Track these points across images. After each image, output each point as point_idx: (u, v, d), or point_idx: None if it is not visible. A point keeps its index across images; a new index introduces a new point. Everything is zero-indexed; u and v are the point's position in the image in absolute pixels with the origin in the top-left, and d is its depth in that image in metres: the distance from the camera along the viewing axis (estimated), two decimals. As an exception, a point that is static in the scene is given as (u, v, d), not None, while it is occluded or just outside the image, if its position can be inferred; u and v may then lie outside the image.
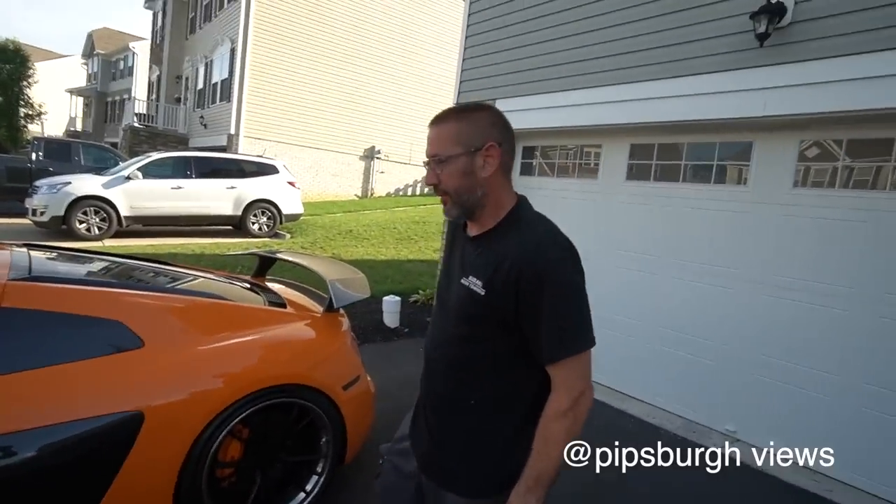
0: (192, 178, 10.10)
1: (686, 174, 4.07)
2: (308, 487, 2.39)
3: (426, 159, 1.29)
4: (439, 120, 1.27)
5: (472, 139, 1.23)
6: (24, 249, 2.42)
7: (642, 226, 4.28)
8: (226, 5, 16.49)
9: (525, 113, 5.02)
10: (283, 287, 3.28)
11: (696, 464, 3.33)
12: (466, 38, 5.74)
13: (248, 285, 3.01)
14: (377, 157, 18.09)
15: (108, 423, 1.82)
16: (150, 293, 2.27)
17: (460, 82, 5.79)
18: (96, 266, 2.67)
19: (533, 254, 1.16)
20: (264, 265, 3.53)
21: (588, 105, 4.48)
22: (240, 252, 4.93)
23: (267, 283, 3.32)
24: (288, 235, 11.07)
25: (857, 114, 3.06)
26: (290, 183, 11.29)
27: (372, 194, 18.17)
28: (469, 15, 5.71)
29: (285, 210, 11.09)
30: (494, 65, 5.37)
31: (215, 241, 9.87)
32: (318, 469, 2.41)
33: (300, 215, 11.62)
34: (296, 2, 15.86)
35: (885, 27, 2.93)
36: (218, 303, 2.39)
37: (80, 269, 2.53)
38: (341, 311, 2.84)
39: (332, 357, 2.55)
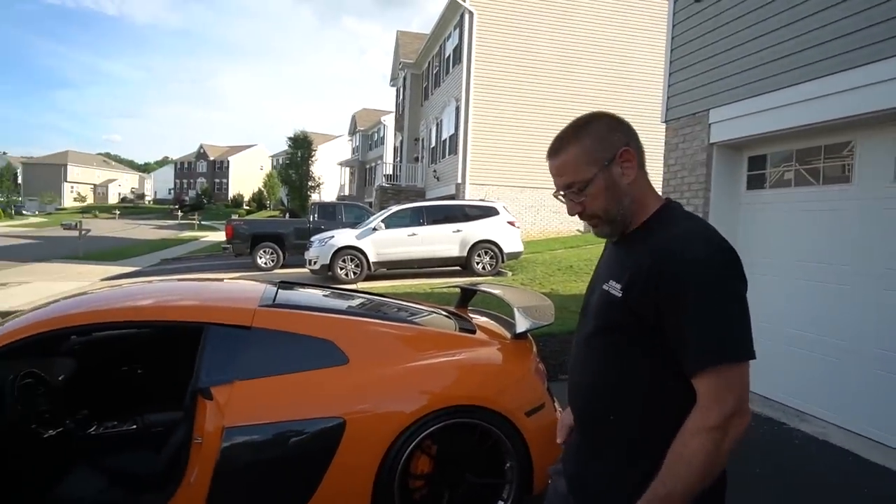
0: (424, 225, 11.36)
1: None
2: (494, 511, 2.41)
3: (560, 192, 1.22)
4: (557, 149, 1.20)
5: (600, 153, 1.15)
6: (275, 286, 3.04)
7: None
8: (451, 70, 18.49)
9: (747, 119, 4.40)
10: (481, 317, 3.43)
11: None
12: (672, 49, 5.36)
13: (446, 314, 3.24)
14: (597, 191, 17.70)
15: (318, 426, 2.14)
16: (356, 318, 2.63)
17: (668, 98, 5.39)
18: (326, 297, 3.20)
19: (678, 251, 1.06)
20: (466, 297, 3.76)
21: (827, 96, 3.71)
22: (446, 286, 5.33)
23: (468, 313, 3.52)
24: (509, 273, 11.51)
25: None
26: (510, 223, 11.81)
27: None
28: (674, 22, 5.33)
29: (506, 249, 11.60)
30: (705, 72, 4.87)
31: (446, 281, 10.82)
32: (504, 494, 2.41)
33: (521, 253, 12.01)
34: (508, 55, 16.92)
35: None
36: (411, 327, 2.63)
37: (312, 300, 3.07)
38: (529, 338, 2.85)
39: (516, 382, 2.56)
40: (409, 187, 21.89)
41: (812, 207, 4.08)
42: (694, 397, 1.03)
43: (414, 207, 12.06)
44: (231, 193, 67.14)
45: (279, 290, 2.84)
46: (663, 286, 1.04)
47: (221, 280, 4.39)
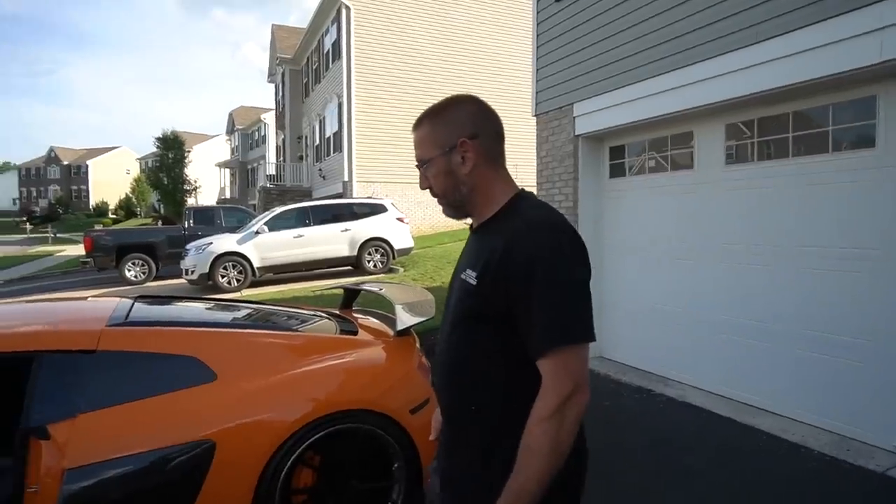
0: (310, 225, 10.97)
1: (799, 148, 3.53)
2: (385, 515, 2.37)
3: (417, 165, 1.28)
4: (417, 124, 1.25)
5: (445, 138, 1.20)
6: (130, 301, 2.74)
7: (751, 214, 3.77)
8: (331, 66, 18.02)
9: (607, 111, 4.74)
10: (367, 317, 3.36)
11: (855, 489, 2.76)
12: (538, 46, 5.62)
13: (328, 316, 3.13)
14: (483, 184, 18.26)
15: (183, 452, 1.95)
16: (224, 330, 2.44)
17: (536, 92, 5.66)
18: (193, 310, 2.95)
19: (524, 237, 1.08)
20: (350, 297, 3.66)
21: (673, 90, 4.10)
22: (329, 287, 5.19)
23: (353, 314, 3.43)
24: (401, 269, 11.50)
25: None
26: (399, 219, 11.78)
27: (482, 220, 18.29)
28: (538, 20, 5.59)
29: (397, 245, 11.56)
30: (569, 68, 5.17)
31: (334, 282, 10.54)
32: (394, 496, 2.37)
33: (412, 249, 12.04)
34: (388, 51, 16.84)
35: None
36: (288, 334, 2.50)
37: (174, 313, 2.82)
38: (412, 333, 2.83)
39: (399, 381, 2.54)
40: (295, 187, 21.05)
41: (665, 192, 4.50)
42: None
43: (299, 208, 11.59)
44: (93, 201, 60.26)
45: (134, 306, 2.56)
46: (511, 272, 1.06)
47: (84, 298, 3.89)
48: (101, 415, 1.95)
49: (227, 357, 2.24)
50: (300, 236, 10.76)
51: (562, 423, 1.00)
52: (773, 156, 3.69)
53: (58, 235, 35.28)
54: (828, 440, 3.22)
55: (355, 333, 2.77)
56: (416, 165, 1.26)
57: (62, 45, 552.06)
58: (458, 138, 1.18)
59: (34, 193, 67.29)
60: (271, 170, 22.85)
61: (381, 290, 3.30)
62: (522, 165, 18.36)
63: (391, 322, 3.15)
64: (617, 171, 5.05)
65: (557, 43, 5.33)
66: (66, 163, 66.14)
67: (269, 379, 2.23)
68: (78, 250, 21.71)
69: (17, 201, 67.77)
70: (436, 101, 1.25)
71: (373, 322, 3.19)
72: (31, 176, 69.25)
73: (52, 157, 67.69)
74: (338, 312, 3.43)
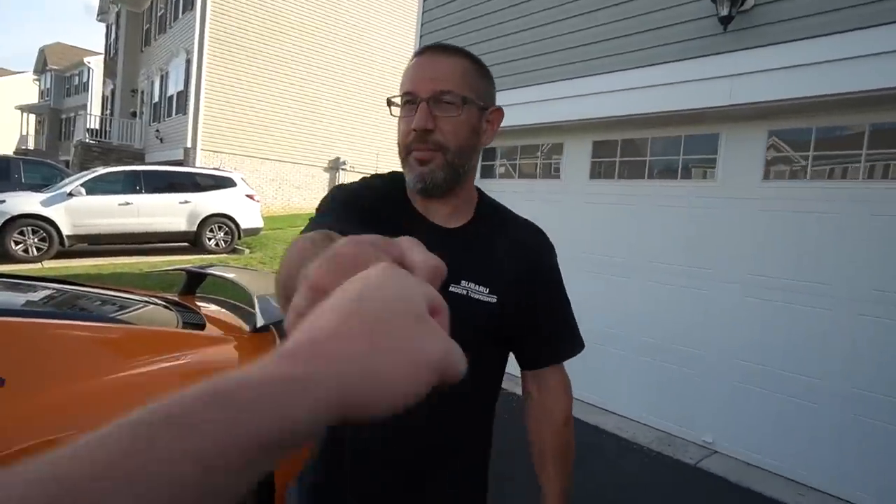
0: (141, 193, 9.55)
1: (652, 171, 3.85)
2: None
3: (418, 96, 0.87)
4: (447, 50, 0.91)
5: (483, 92, 0.93)
6: None
7: (609, 227, 4.04)
8: (181, 16, 15.96)
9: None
10: (212, 305, 2.90)
11: (670, 479, 3.09)
12: (420, 37, 5.47)
13: (165, 304, 2.63)
14: (342, 169, 17.67)
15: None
16: (17, 319, 1.87)
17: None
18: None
19: (541, 242, 1.05)
20: (193, 282, 3.15)
21: (548, 101, 4.23)
22: (166, 269, 4.50)
23: (196, 302, 2.94)
24: (247, 250, 10.58)
25: (830, 98, 2.87)
26: (249, 196, 10.81)
27: (338, 206, 17.71)
28: (422, 21, 5.45)
29: (244, 224, 10.59)
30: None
31: (167, 259, 9.33)
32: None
33: (260, 229, 11.13)
34: (250, 12, 15.45)
35: (851, 6, 2.75)
36: (112, 327, 2.00)
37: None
38: (272, 330, 2.48)
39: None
40: (123, 147, 18.28)
41: (532, 198, 4.64)
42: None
43: (129, 171, 9.99)
44: None
45: None
46: (538, 280, 1.00)
47: None
48: None
49: (19, 356, 1.70)
50: (127, 203, 9.30)
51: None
52: (630, 176, 3.99)
53: None
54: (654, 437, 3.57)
55: (202, 327, 2.33)
56: (421, 97, 0.87)
57: None
58: (493, 102, 0.97)
59: None
60: (94, 123, 19.58)
61: (234, 276, 2.87)
62: (384, 152, 18.12)
63: (246, 315, 2.75)
64: (487, 172, 5.11)
65: (438, 39, 5.23)
66: None
67: (83, 384, 1.75)
68: None
69: None
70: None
71: (221, 313, 2.75)
72: None
73: None
74: (177, 299, 2.91)
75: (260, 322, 2.29)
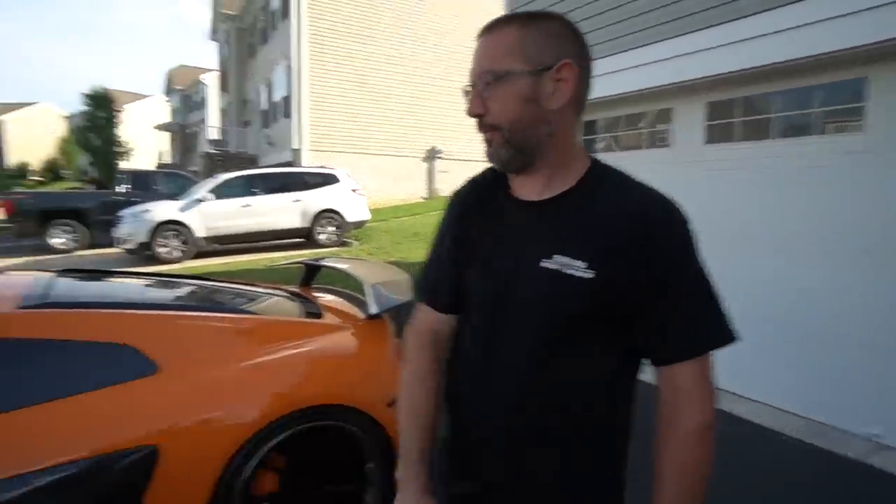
0: (258, 194, 10.34)
1: (779, 129, 3.44)
2: (357, 521, 2.12)
3: (468, 84, 0.92)
4: (495, 26, 0.90)
5: (541, 53, 0.86)
6: (53, 276, 2.32)
7: (732, 197, 3.68)
8: (279, 25, 16.97)
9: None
10: (328, 295, 3.05)
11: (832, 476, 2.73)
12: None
13: (288, 296, 2.80)
14: (438, 157, 17.92)
15: (116, 462, 1.62)
16: (167, 312, 2.08)
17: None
18: (129, 287, 2.55)
19: (662, 212, 0.86)
20: (310, 273, 3.33)
21: (653, 63, 3.93)
22: (287, 263, 4.81)
23: (313, 293, 3.11)
24: (356, 242, 11.09)
25: None
26: (354, 190, 11.32)
27: (437, 194, 18.02)
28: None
29: (350, 218, 11.12)
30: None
31: (285, 255, 10.03)
32: (368, 499, 2.12)
33: (366, 222, 11.63)
34: (344, 13, 16.03)
35: None
36: (244, 318, 2.17)
37: (106, 292, 2.42)
38: (385, 317, 2.55)
39: (373, 371, 2.26)
40: (240, 153, 19.93)
41: (640, 171, 4.36)
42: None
43: (247, 175, 10.89)
44: (11, 161, 55.36)
45: (56, 283, 2.15)
46: (654, 257, 0.83)
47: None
48: (11, 419, 1.59)
49: (171, 345, 1.89)
50: (248, 206, 10.14)
51: (713, 443, 0.85)
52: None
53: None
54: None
55: (320, 316, 2.46)
56: (472, 84, 0.91)
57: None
58: (559, 58, 0.86)
59: (-58, 151, 61.19)
60: (213, 134, 21.56)
61: (347, 266, 2.99)
62: (476, 138, 18.46)
63: (359, 303, 2.86)
64: (587, 147, 4.88)
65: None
66: (-24, 118, 60.26)
67: (222, 371, 1.91)
68: (-5, 214, 19.87)
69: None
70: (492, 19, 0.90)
71: (337, 302, 2.88)
72: (-62, 131, 62.77)
73: (-40, 112, 61.50)
74: (297, 291, 3.10)
75: (373, 310, 2.37)
